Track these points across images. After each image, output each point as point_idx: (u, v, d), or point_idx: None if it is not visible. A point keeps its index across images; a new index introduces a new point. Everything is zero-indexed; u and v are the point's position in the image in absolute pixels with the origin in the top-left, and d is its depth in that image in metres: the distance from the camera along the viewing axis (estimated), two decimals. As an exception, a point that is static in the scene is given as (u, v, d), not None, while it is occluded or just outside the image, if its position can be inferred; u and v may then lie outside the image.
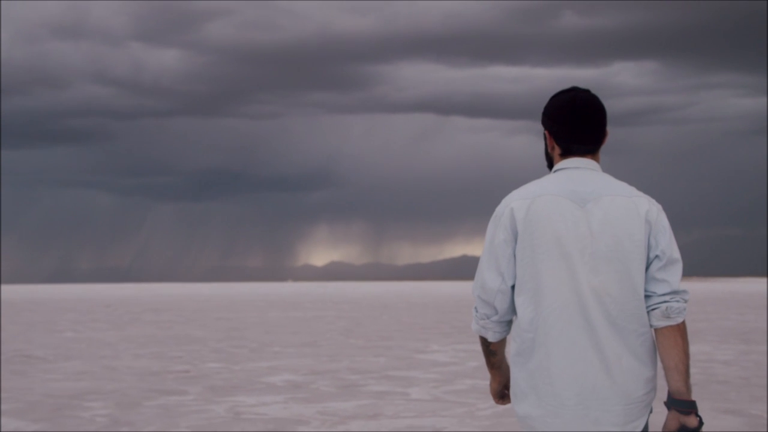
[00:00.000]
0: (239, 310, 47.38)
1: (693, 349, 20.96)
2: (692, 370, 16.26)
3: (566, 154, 3.78)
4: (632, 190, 3.71)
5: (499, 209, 3.74)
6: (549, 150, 3.86)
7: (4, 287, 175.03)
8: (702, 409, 11.81)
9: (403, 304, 53.74)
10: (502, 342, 3.85)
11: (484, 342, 3.85)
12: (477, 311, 3.80)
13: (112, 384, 14.95)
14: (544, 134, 3.85)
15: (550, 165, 3.88)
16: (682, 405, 3.63)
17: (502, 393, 3.99)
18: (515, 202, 3.69)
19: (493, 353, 3.88)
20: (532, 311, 3.63)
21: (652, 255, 3.64)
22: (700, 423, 3.62)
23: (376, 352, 20.82)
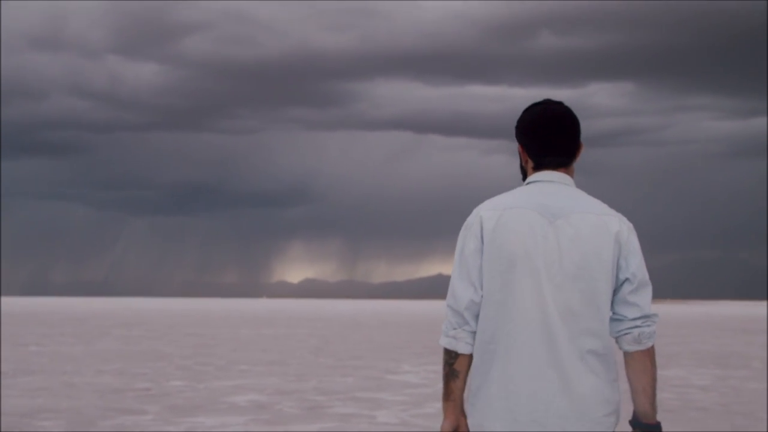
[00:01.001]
0: (211, 326, 46.78)
1: (668, 373, 20.56)
2: (668, 395, 15.83)
3: (539, 167, 3.71)
4: (604, 208, 3.63)
5: (470, 219, 3.67)
6: (523, 164, 3.79)
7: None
8: (679, 438, 11.36)
9: (376, 323, 53.24)
10: (467, 363, 3.66)
11: (449, 360, 3.67)
12: (449, 322, 3.67)
13: (69, 402, 14.39)
14: (518, 148, 3.78)
15: (524, 179, 3.80)
16: (647, 428, 3.62)
17: None
18: (485, 213, 3.62)
19: (456, 375, 3.67)
20: (495, 324, 3.55)
21: (622, 277, 3.57)
22: None
23: (344, 372, 20.31)
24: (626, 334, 3.56)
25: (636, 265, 3.57)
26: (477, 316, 3.61)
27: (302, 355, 25.44)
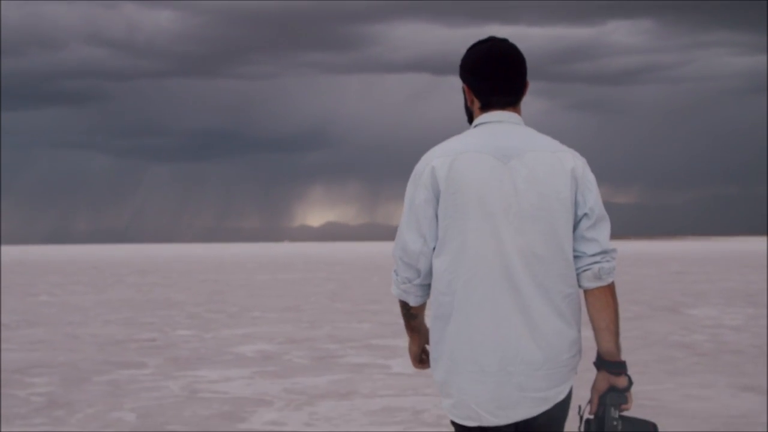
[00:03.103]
0: (227, 272, 46.12)
1: (698, 312, 19.74)
2: (700, 337, 15.00)
3: (486, 107, 3.61)
4: (556, 145, 3.55)
5: (418, 167, 3.56)
6: (468, 104, 3.68)
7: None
8: (717, 386, 10.52)
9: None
10: (423, 306, 3.68)
11: (404, 306, 3.68)
12: (398, 275, 3.62)
13: (67, 355, 13.63)
14: (463, 88, 3.67)
15: (470, 120, 3.69)
16: (613, 366, 3.56)
17: (420, 356, 3.82)
18: (436, 160, 3.51)
19: (413, 316, 3.72)
20: (450, 273, 3.47)
21: (580, 213, 3.51)
22: (630, 383, 3.58)
23: (361, 317, 19.51)
24: (586, 270, 3.50)
25: (593, 199, 3.51)
26: (429, 268, 3.54)
27: (318, 301, 24.67)
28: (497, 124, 3.57)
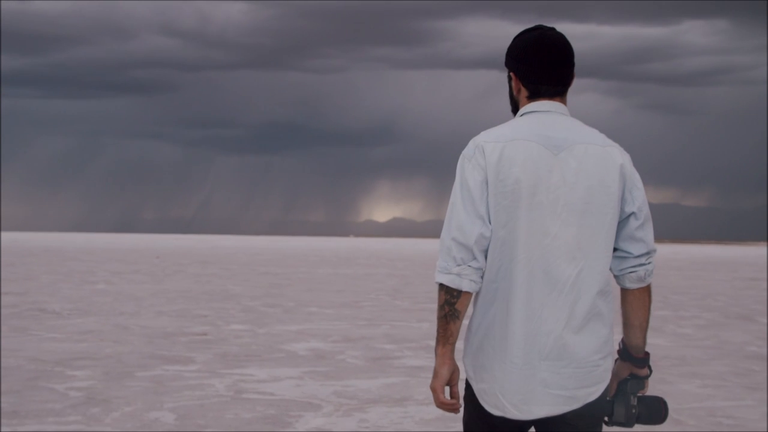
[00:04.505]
0: (289, 265, 45.70)
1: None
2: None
3: (534, 96, 3.54)
4: (604, 139, 3.49)
5: (468, 150, 3.46)
6: (514, 93, 3.61)
7: (68, 235, 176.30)
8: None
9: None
10: (468, 302, 3.43)
11: (450, 300, 3.39)
12: (451, 257, 3.38)
13: (114, 347, 13.15)
14: (509, 75, 3.59)
15: (515, 109, 3.62)
16: (638, 361, 3.57)
17: (447, 385, 3.44)
18: (488, 145, 3.42)
19: (456, 316, 3.41)
20: (498, 261, 3.39)
21: (627, 210, 3.45)
22: (650, 372, 3.61)
23: (420, 316, 18.84)
24: (631, 272, 3.47)
25: (641, 198, 3.46)
26: (485, 251, 3.40)
27: (378, 297, 24.07)
28: (545, 113, 3.50)
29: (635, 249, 3.46)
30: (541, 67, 3.49)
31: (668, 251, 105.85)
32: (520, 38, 3.57)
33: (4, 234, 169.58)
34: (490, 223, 3.39)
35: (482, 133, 3.48)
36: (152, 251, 67.53)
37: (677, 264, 57.22)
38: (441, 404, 3.45)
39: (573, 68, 3.55)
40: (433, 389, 3.43)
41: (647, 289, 3.53)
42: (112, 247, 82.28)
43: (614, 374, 3.58)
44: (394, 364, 12.04)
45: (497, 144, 3.41)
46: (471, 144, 3.47)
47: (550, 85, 3.52)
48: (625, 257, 3.48)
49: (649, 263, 3.49)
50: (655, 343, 14.71)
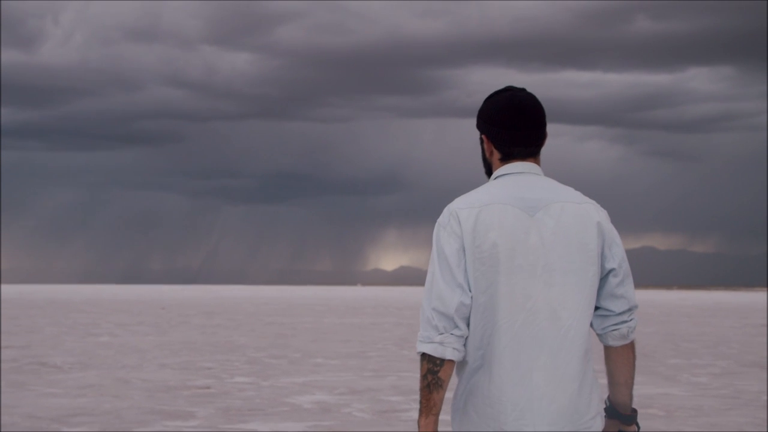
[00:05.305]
0: (295, 314, 45.33)
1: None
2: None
3: (507, 158, 3.51)
4: (579, 196, 3.47)
5: (443, 219, 3.42)
6: (487, 156, 3.57)
7: (74, 287, 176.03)
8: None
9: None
10: (451, 371, 3.32)
11: (433, 369, 3.29)
12: (433, 326, 3.31)
13: (113, 402, 12.80)
14: (481, 138, 3.58)
15: (489, 172, 3.58)
16: (626, 419, 3.54)
17: None
18: (462, 212, 3.39)
19: (439, 385, 3.29)
20: (482, 328, 3.32)
21: (607, 267, 3.39)
22: (638, 429, 3.57)
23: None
24: (614, 330, 3.41)
25: (620, 254, 3.42)
26: (467, 320, 3.33)
27: (385, 347, 23.69)
28: (519, 175, 3.46)
29: (617, 306, 3.41)
30: (512, 129, 3.47)
31: (677, 298, 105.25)
32: (490, 101, 3.54)
33: (9, 287, 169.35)
34: (470, 290, 3.33)
35: (457, 200, 3.44)
36: (158, 302, 67.17)
37: (686, 311, 56.74)
38: None
39: (545, 129, 3.52)
40: None
41: (631, 346, 3.47)
42: (118, 298, 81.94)
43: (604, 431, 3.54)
44: (401, 417, 11.68)
45: (472, 210, 3.37)
46: (446, 211, 3.42)
47: (522, 146, 3.49)
48: (606, 315, 3.42)
49: (631, 320, 3.43)
50: (669, 393, 14.32)
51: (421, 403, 3.33)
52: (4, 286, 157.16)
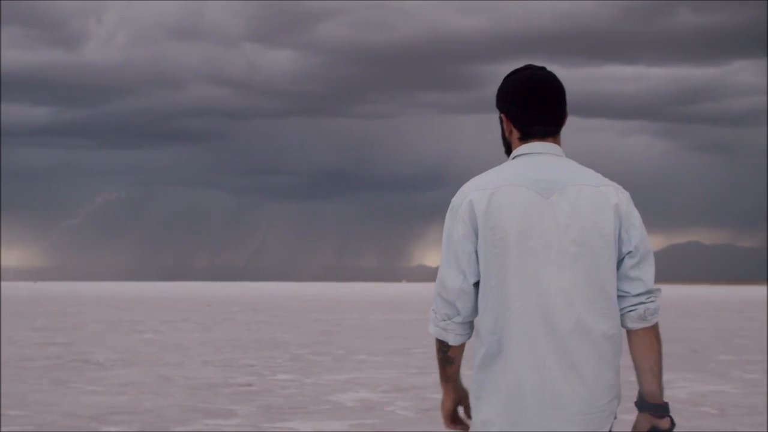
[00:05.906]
0: (340, 311, 45.20)
1: None
2: None
3: (526, 137, 3.46)
4: (599, 178, 3.40)
5: (455, 201, 3.40)
6: (506, 135, 3.53)
7: (120, 284, 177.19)
8: None
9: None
10: (461, 349, 3.43)
11: (442, 348, 3.42)
12: (436, 312, 3.40)
13: (153, 400, 12.64)
14: (500, 117, 3.53)
15: (508, 151, 3.53)
16: (656, 409, 3.43)
17: (455, 414, 3.52)
18: (474, 194, 3.36)
19: (450, 361, 3.43)
20: (495, 312, 3.30)
21: (624, 250, 3.35)
22: (672, 425, 3.43)
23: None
24: (630, 311, 3.37)
25: (638, 236, 3.36)
26: (470, 305, 3.35)
27: (429, 344, 23.42)
28: (537, 155, 3.42)
29: (632, 288, 3.38)
30: (531, 107, 3.44)
31: (725, 293, 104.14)
32: (509, 79, 3.52)
33: (56, 284, 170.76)
34: (475, 276, 3.33)
35: (471, 180, 3.43)
36: (203, 299, 67.29)
37: (736, 306, 56.03)
38: (450, 427, 3.53)
39: (565, 108, 3.49)
40: (443, 417, 3.54)
41: (653, 330, 3.41)
42: (163, 295, 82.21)
43: (634, 428, 3.47)
44: (446, 416, 11.42)
45: (485, 192, 3.35)
46: (459, 193, 3.41)
47: (542, 126, 3.45)
48: (623, 296, 3.39)
49: (650, 302, 3.38)
50: (721, 390, 13.97)
51: (440, 373, 3.48)
52: (51, 284, 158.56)
